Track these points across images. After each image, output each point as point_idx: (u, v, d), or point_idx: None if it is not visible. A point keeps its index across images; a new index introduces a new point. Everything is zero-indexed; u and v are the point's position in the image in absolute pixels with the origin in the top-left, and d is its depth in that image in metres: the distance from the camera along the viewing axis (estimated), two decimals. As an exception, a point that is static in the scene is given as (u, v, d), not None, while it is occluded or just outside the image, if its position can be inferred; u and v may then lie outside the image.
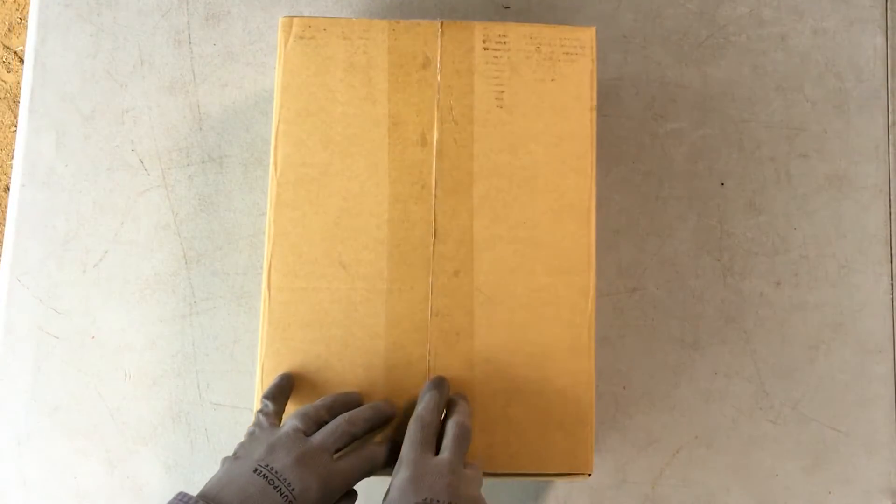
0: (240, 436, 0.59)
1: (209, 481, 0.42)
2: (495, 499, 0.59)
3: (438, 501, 0.41)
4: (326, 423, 0.46)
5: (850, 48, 0.65)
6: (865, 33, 0.65)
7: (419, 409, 0.46)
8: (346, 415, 0.46)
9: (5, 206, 1.34)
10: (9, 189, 1.35)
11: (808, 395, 0.61)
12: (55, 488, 0.59)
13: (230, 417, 0.60)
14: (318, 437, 0.44)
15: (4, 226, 0.83)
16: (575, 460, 0.49)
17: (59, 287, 0.61)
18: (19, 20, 1.38)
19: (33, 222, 0.62)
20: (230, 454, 0.45)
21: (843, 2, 0.65)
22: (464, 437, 0.45)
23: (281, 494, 0.41)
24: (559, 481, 0.59)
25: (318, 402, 0.47)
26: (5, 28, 1.38)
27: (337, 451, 0.45)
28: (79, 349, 0.60)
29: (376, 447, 0.46)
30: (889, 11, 0.65)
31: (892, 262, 0.62)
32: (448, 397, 0.48)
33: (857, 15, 0.65)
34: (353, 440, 0.46)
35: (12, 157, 0.74)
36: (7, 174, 1.37)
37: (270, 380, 0.49)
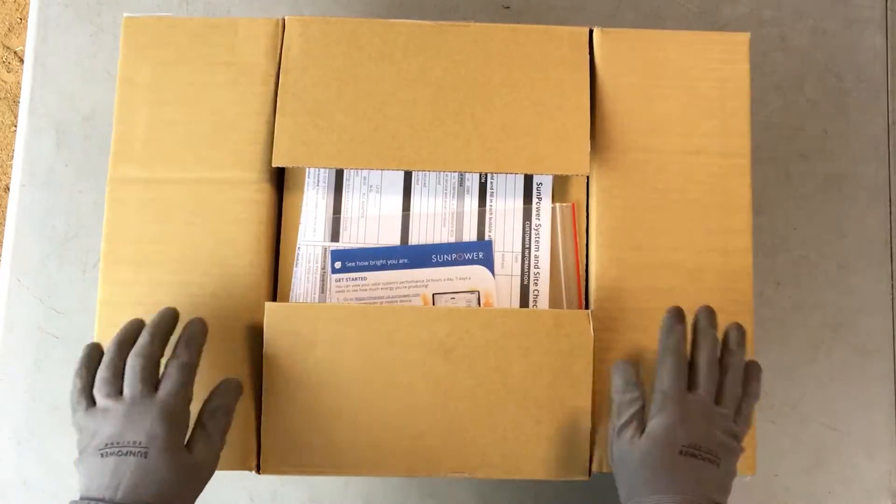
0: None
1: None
2: (495, 499, 0.59)
3: (700, 447, 0.42)
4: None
5: (850, 48, 0.64)
6: (865, 33, 0.65)
7: (669, 342, 0.45)
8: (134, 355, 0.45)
9: (5, 206, 1.34)
10: (9, 189, 1.35)
11: (808, 395, 0.61)
12: (55, 488, 0.59)
13: (230, 417, 0.59)
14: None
15: (4, 226, 0.83)
16: (574, 461, 0.49)
17: (59, 287, 0.61)
18: (19, 20, 1.38)
19: (33, 222, 0.61)
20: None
21: (843, 2, 0.65)
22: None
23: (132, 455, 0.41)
24: (558, 481, 0.59)
25: (108, 347, 0.46)
26: (5, 28, 1.38)
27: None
28: (79, 349, 0.60)
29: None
30: (889, 11, 0.65)
31: (892, 262, 0.62)
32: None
33: (857, 15, 0.65)
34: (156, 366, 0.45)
35: (12, 157, 0.73)
36: (7, 174, 1.37)
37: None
